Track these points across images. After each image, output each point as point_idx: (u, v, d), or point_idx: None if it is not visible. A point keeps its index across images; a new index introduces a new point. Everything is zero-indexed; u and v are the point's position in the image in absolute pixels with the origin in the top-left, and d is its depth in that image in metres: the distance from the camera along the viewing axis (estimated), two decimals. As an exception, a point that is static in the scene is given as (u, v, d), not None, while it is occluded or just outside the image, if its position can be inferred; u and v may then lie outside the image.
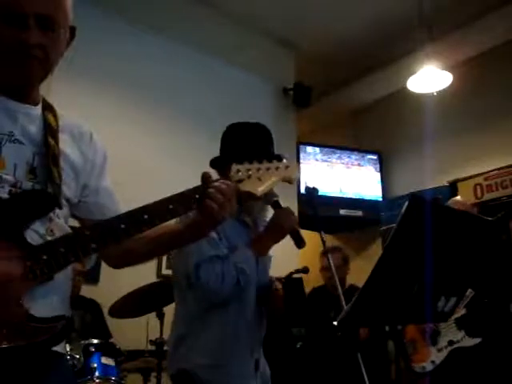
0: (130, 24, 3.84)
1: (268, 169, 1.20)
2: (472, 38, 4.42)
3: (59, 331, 1.01)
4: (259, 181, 1.18)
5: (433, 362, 2.80)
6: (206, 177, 1.16)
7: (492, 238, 1.54)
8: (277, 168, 1.21)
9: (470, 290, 2.68)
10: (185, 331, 1.74)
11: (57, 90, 3.19)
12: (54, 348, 1.07)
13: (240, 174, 1.19)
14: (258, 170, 1.19)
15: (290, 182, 1.23)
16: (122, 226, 1.07)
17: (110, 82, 3.68)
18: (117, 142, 3.56)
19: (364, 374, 1.58)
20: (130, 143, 3.65)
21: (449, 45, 4.34)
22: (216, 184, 1.15)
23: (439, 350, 2.80)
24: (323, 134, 5.81)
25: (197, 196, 1.14)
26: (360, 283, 1.34)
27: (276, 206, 1.80)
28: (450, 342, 2.77)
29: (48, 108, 1.20)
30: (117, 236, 1.07)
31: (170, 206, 1.11)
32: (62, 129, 1.19)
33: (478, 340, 2.70)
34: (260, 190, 1.18)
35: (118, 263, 1.32)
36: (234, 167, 1.19)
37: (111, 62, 3.68)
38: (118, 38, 3.75)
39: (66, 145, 1.18)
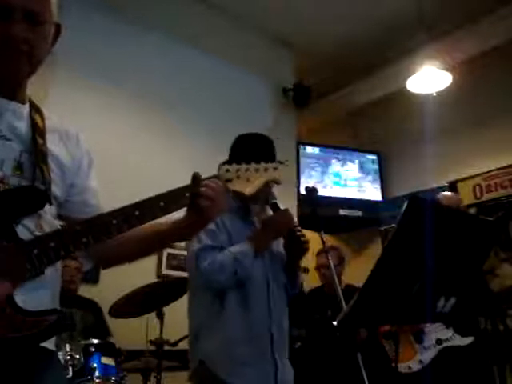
0: (129, 23, 3.83)
1: (257, 170, 1.22)
2: (472, 38, 4.41)
3: (50, 325, 1.02)
4: (247, 181, 1.20)
5: (420, 361, 2.68)
6: (196, 176, 1.17)
7: (492, 238, 1.54)
8: (265, 169, 1.23)
9: None
10: (197, 326, 1.92)
11: (55, 89, 3.21)
12: (44, 344, 1.07)
13: (229, 173, 1.21)
14: (247, 170, 1.21)
15: (277, 183, 1.26)
16: (114, 221, 1.08)
17: (109, 81, 3.67)
18: (116, 141, 3.57)
19: (364, 374, 1.58)
20: (129, 142, 3.65)
21: (449, 45, 4.34)
22: (206, 182, 1.16)
23: (426, 349, 2.69)
24: (323, 133, 5.81)
25: (187, 194, 1.15)
26: (360, 283, 1.35)
27: (274, 207, 1.93)
28: (438, 341, 2.67)
29: (35, 108, 1.20)
30: (108, 231, 1.08)
31: (161, 204, 1.12)
32: (49, 129, 1.19)
33: (469, 339, 2.62)
34: (248, 189, 1.20)
35: (105, 263, 1.33)
36: (223, 167, 1.21)
37: (111, 62, 3.68)
38: (116, 37, 3.75)
39: (53, 144, 1.18)
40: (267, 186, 1.25)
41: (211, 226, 1.88)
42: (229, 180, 1.20)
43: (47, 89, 3.02)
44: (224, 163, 1.23)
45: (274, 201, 1.94)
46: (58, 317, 1.03)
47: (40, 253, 1.02)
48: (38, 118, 1.17)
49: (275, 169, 1.23)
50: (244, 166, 1.22)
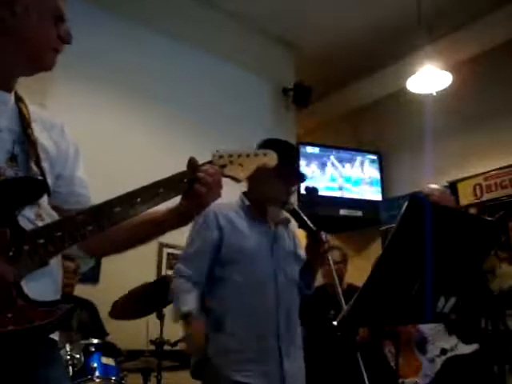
0: (130, 23, 3.84)
1: (248, 155, 1.26)
2: (472, 38, 4.42)
3: (61, 315, 1.02)
4: (241, 166, 1.24)
5: (426, 375, 2.56)
6: (192, 162, 1.19)
7: (492, 238, 1.54)
8: (256, 155, 1.28)
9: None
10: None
11: (54, 89, 3.21)
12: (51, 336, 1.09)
13: (222, 159, 1.24)
14: (239, 156, 1.25)
15: (267, 168, 1.31)
16: (116, 209, 1.09)
17: (109, 81, 3.67)
18: (115, 141, 3.58)
19: (364, 373, 1.58)
20: (129, 142, 3.65)
21: (449, 45, 4.35)
22: (204, 168, 1.18)
23: (431, 361, 2.56)
24: (323, 133, 5.81)
25: (185, 180, 1.17)
26: (360, 283, 1.35)
27: (294, 213, 2.00)
28: (443, 351, 2.53)
29: (19, 98, 1.20)
30: (112, 219, 1.08)
31: (161, 190, 1.14)
32: (34, 119, 1.19)
33: (474, 346, 2.48)
34: (242, 174, 1.25)
35: (98, 251, 1.34)
36: (217, 153, 1.24)
37: (111, 62, 3.67)
38: (117, 37, 3.75)
39: (39, 134, 1.18)
40: (259, 171, 1.29)
41: (204, 224, 1.95)
42: (223, 166, 1.23)
43: (45, 88, 3.02)
44: (217, 151, 1.26)
45: (293, 207, 2.00)
46: (68, 307, 1.03)
47: (46, 243, 1.01)
48: (23, 107, 1.17)
49: (265, 154, 1.29)
50: (236, 152, 1.26)
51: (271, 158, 1.29)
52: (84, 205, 1.21)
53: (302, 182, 2.12)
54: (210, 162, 1.22)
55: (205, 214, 1.94)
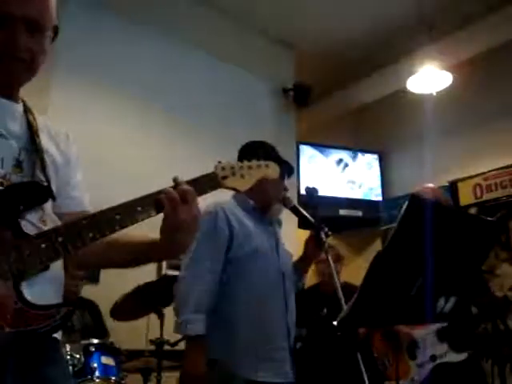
0: (130, 24, 3.83)
1: (250, 167, 1.28)
2: (472, 38, 4.41)
3: (60, 319, 1.02)
4: (242, 178, 1.26)
5: (412, 379, 2.52)
6: (173, 180, 1.14)
7: (492, 238, 1.54)
8: (258, 166, 1.29)
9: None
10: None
11: (56, 90, 3.21)
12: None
13: (224, 171, 1.25)
14: (241, 167, 1.26)
15: (269, 179, 1.33)
16: (117, 216, 1.09)
17: (110, 82, 3.67)
18: (116, 142, 3.58)
19: (364, 373, 1.58)
20: (131, 144, 3.65)
21: (449, 45, 4.34)
22: (168, 189, 1.11)
23: (420, 366, 2.52)
24: (323, 133, 5.81)
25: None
26: (359, 283, 1.35)
27: (294, 210, 2.03)
28: (433, 357, 2.50)
29: (28, 109, 1.22)
30: (112, 226, 1.09)
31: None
32: (41, 129, 1.22)
33: (464, 355, 2.45)
34: (244, 186, 1.26)
35: (95, 265, 1.34)
36: (219, 165, 1.25)
37: (111, 62, 3.67)
38: (117, 37, 3.75)
39: (47, 143, 1.21)
40: (262, 183, 1.30)
41: (214, 224, 1.92)
42: (224, 177, 1.24)
43: (50, 92, 3.02)
44: (219, 162, 1.27)
45: (293, 204, 2.02)
46: (67, 310, 1.04)
47: (48, 247, 1.02)
48: (31, 118, 1.20)
49: (267, 166, 1.30)
50: (238, 164, 1.27)
51: (273, 170, 1.31)
52: (80, 208, 1.24)
53: (292, 174, 2.16)
54: (212, 173, 1.23)
55: (214, 213, 1.92)
